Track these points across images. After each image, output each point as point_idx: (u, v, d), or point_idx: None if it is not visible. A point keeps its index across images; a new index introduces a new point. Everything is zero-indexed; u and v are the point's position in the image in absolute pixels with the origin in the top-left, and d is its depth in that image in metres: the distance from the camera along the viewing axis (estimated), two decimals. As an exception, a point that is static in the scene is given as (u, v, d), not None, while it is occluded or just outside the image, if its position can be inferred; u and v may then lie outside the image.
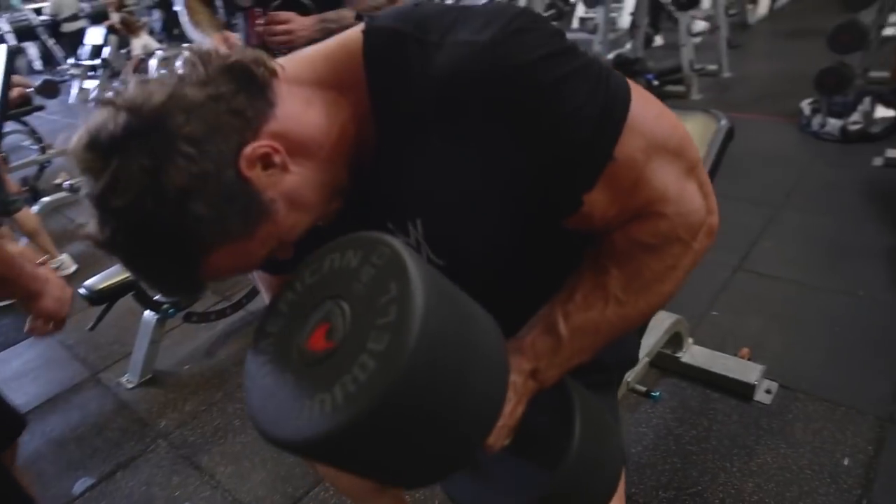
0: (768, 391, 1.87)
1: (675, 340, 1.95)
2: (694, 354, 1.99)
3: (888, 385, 1.85)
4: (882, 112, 3.44)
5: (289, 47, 1.54)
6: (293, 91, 0.65)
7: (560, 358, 0.72)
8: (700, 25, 5.35)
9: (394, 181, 0.69)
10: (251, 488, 1.80)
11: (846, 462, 1.63)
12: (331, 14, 1.64)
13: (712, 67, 5.06)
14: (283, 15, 1.59)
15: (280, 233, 0.64)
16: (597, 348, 0.73)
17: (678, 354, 1.97)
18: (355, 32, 0.66)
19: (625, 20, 5.86)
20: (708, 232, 0.70)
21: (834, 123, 3.53)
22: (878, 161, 3.14)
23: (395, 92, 0.63)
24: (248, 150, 0.59)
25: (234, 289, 2.66)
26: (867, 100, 3.46)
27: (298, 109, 0.64)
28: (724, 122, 1.58)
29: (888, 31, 3.93)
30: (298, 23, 1.59)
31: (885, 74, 4.06)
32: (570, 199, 0.66)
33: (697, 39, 5.27)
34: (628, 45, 5.38)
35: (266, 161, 0.61)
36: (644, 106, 0.65)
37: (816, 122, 3.62)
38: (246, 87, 0.60)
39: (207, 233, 0.59)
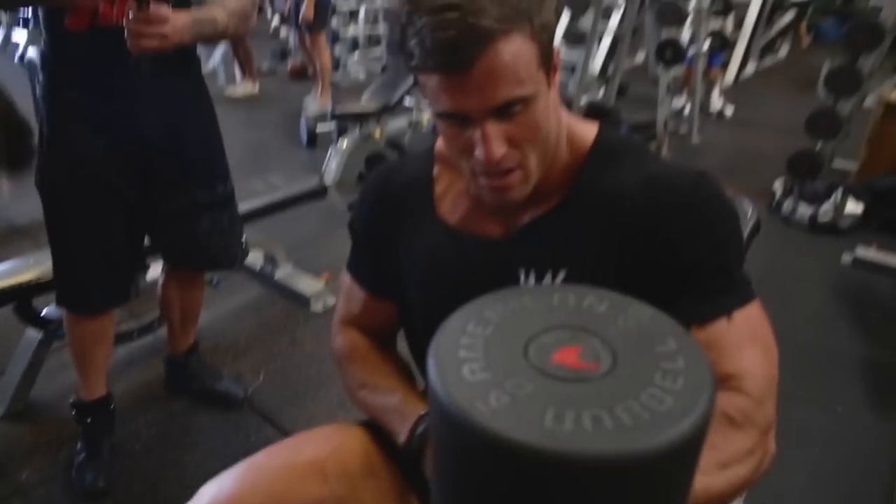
0: None
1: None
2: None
3: None
4: (852, 206, 3.39)
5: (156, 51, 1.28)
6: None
7: None
8: (680, 103, 5.31)
9: (555, 233, 0.82)
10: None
11: None
12: (203, 14, 1.40)
13: (682, 131, 5.03)
14: (162, 13, 1.26)
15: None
16: None
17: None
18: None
19: (596, 65, 5.73)
20: (771, 449, 0.76)
21: (804, 211, 3.47)
22: (847, 258, 3.07)
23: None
24: None
25: (144, 307, 2.26)
26: (839, 191, 3.40)
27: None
28: (751, 212, 1.39)
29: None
30: (173, 25, 1.28)
31: (849, 164, 4.09)
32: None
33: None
34: (601, 93, 5.26)
35: None
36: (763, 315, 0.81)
37: (787, 205, 3.54)
38: None
39: None
